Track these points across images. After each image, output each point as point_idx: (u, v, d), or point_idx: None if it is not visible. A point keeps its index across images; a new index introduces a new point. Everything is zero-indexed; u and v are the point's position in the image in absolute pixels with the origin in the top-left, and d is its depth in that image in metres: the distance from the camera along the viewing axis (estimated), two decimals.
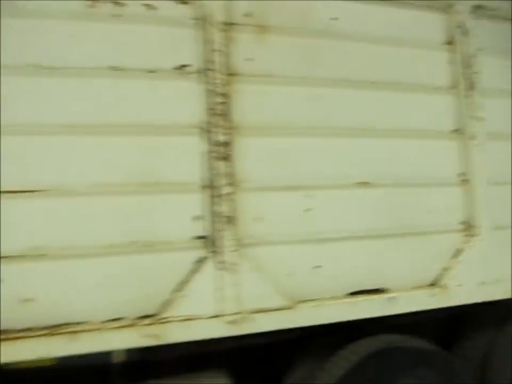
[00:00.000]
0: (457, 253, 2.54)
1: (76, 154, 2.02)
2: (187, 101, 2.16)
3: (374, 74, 2.48)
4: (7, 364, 2.07)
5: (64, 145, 2.01)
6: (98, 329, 1.94)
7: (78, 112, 2.03)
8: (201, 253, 2.11)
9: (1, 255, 1.90)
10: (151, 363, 2.41)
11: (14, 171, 1.93)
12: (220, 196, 2.10)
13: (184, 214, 2.12)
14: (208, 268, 2.07)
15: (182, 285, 2.07)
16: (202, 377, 2.41)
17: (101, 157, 2.04)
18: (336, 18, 2.45)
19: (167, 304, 2.05)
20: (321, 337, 2.54)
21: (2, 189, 1.90)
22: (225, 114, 2.14)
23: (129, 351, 2.29)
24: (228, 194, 2.11)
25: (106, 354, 2.30)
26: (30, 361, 2.11)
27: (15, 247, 1.92)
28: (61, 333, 1.90)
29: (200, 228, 2.12)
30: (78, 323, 1.95)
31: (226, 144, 2.14)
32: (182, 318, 2.02)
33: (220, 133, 2.13)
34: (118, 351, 2.30)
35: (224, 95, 2.16)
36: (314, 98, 2.35)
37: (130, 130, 2.09)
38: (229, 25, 2.23)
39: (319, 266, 2.28)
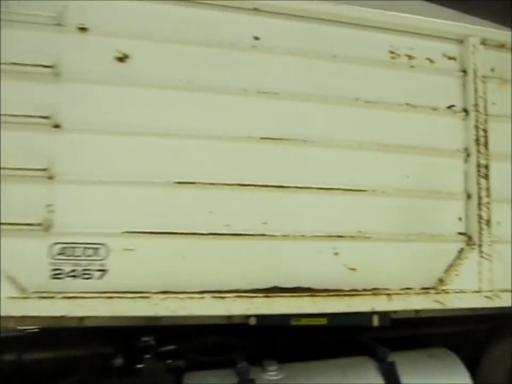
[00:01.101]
0: None
1: (365, 166, 2.77)
2: (455, 132, 2.93)
3: None
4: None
5: (359, 158, 2.77)
6: (404, 293, 2.69)
7: (372, 134, 2.79)
8: (462, 245, 2.87)
9: (338, 234, 2.66)
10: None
11: (310, 174, 2.68)
12: (481, 204, 2.86)
13: (452, 215, 2.88)
14: (473, 255, 2.83)
15: (450, 267, 2.82)
16: (434, 352, 3.18)
17: (395, 169, 2.81)
18: None
19: (441, 280, 2.80)
20: None
21: (316, 186, 2.65)
22: (485, 144, 2.91)
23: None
24: (487, 203, 2.87)
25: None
26: (306, 320, 2.86)
27: (345, 230, 2.68)
28: (380, 294, 2.66)
29: (462, 226, 2.88)
30: (385, 289, 2.71)
31: (486, 166, 2.90)
32: (455, 291, 2.77)
33: (481, 158, 2.90)
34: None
35: (484, 130, 2.92)
36: None
37: (415, 151, 2.86)
38: (482, 77, 3.00)
39: None
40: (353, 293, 2.64)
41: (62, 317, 2.32)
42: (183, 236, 2.47)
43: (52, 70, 2.40)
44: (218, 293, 2.46)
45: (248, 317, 2.70)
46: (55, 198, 2.37)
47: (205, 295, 2.43)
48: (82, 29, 2.47)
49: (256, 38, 2.69)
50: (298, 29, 2.76)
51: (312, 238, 2.62)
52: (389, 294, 2.66)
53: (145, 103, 2.52)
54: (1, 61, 2.34)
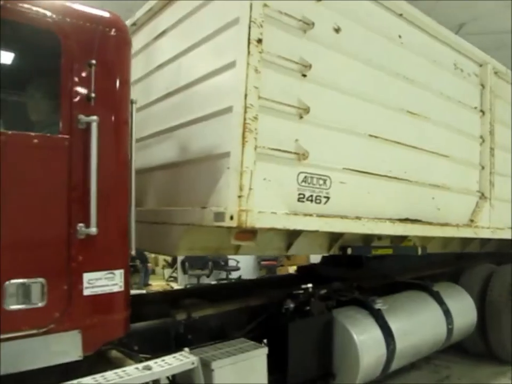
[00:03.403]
0: None
1: (448, 139, 4.06)
2: (477, 125, 4.43)
3: None
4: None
5: (447, 133, 4.04)
6: (460, 226, 4.05)
7: (448, 118, 4.08)
8: (478, 198, 4.39)
9: (436, 184, 3.84)
10: None
11: (427, 141, 3.90)
12: (490, 173, 4.42)
13: (474, 179, 4.37)
14: (485, 205, 4.37)
15: (474, 212, 4.32)
16: (447, 284, 4.69)
17: (458, 145, 4.15)
18: None
19: (471, 220, 4.27)
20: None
21: None
22: (493, 135, 4.48)
23: None
24: (492, 173, 4.45)
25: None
26: (381, 251, 4.02)
27: (438, 182, 3.88)
28: (453, 226, 3.95)
29: (478, 186, 4.40)
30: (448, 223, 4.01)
31: (492, 149, 4.48)
32: (480, 226, 4.28)
33: (492, 143, 4.46)
34: None
35: (492, 126, 4.49)
36: None
37: (463, 134, 4.25)
38: (491, 91, 4.56)
39: None
40: (442, 224, 3.87)
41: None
42: (370, 175, 3.27)
43: (301, 24, 2.87)
44: (390, 219, 3.36)
45: (344, 249, 3.69)
46: (302, 134, 2.87)
47: (385, 220, 3.31)
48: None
49: (400, 36, 3.62)
50: (418, 37, 3.80)
51: (425, 185, 3.74)
52: (457, 226, 3.99)
53: (351, 70, 3.20)
54: (271, 8, 2.71)
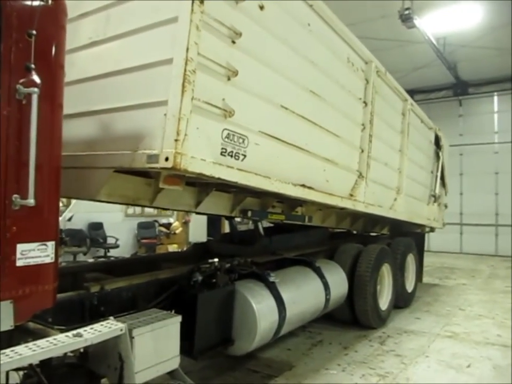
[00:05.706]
0: None
1: (339, 121, 4.74)
2: (360, 114, 5.17)
3: None
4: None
5: (338, 116, 4.71)
6: (343, 198, 4.73)
7: (340, 102, 4.77)
8: (356, 177, 5.14)
9: (326, 158, 4.45)
10: None
11: (325, 120, 4.53)
12: (368, 157, 5.21)
13: (353, 160, 5.12)
14: (362, 183, 5.13)
15: (353, 188, 5.05)
16: (326, 260, 5.40)
17: (347, 126, 4.84)
18: None
19: (351, 194, 4.99)
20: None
21: None
22: (371, 123, 5.27)
23: None
24: (369, 157, 5.25)
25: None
26: (275, 216, 4.61)
27: (328, 156, 4.50)
28: (337, 196, 4.60)
29: (358, 166, 5.16)
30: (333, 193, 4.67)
31: (371, 135, 5.27)
32: (358, 200, 5.02)
33: (371, 131, 5.24)
34: None
35: (372, 115, 5.28)
36: None
37: (350, 119, 4.95)
38: (374, 86, 5.35)
39: None
40: (329, 193, 4.49)
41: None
42: (280, 141, 3.71)
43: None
44: (292, 183, 3.84)
45: (245, 212, 4.19)
46: (228, 95, 3.17)
47: (289, 183, 3.78)
48: None
49: (309, 24, 4.13)
50: (322, 28, 4.34)
51: (319, 157, 4.31)
52: (341, 197, 4.67)
53: (271, 46, 3.59)
54: None
